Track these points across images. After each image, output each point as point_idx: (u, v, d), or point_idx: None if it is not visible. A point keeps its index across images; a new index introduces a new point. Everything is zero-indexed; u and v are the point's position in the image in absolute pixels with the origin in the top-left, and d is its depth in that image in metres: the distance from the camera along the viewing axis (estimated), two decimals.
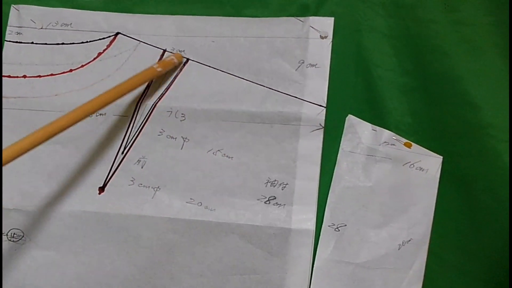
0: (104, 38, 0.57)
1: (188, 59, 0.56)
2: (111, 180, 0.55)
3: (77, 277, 0.54)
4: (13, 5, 0.57)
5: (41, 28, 0.58)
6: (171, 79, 0.55)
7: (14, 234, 0.55)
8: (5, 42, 0.57)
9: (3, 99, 0.56)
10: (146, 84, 0.55)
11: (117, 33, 0.57)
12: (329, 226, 0.51)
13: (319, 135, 0.53)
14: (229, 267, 0.53)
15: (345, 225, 0.51)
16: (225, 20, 0.56)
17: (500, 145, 0.51)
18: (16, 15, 0.58)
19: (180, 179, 0.54)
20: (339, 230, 0.51)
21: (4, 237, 0.54)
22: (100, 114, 0.55)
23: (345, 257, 0.51)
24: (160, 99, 0.55)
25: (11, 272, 0.55)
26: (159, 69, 0.51)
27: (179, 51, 0.56)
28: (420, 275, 0.51)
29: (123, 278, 0.54)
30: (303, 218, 0.52)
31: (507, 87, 0.52)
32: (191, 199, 0.54)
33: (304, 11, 0.54)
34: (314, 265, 0.51)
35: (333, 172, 0.52)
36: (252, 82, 0.54)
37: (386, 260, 0.51)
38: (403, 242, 0.51)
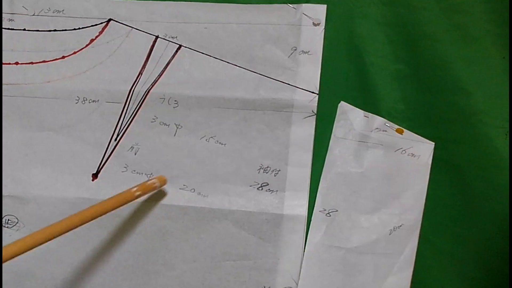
0: (96, 25, 0.57)
1: (180, 46, 0.55)
2: (104, 166, 0.55)
3: (71, 262, 0.55)
4: None
5: (33, 15, 0.58)
6: (164, 65, 0.55)
7: (8, 220, 0.55)
8: None
9: None
10: (139, 71, 0.55)
11: (109, 20, 0.57)
12: (320, 211, 0.52)
13: (312, 122, 0.53)
14: (222, 253, 0.53)
15: (337, 211, 0.52)
16: (218, 6, 0.56)
17: (492, 131, 0.51)
18: (8, 2, 0.57)
19: (173, 165, 0.54)
20: (330, 216, 0.52)
21: None
22: (93, 101, 0.55)
23: (336, 242, 0.52)
24: (153, 86, 0.55)
25: (10, 261, 0.55)
26: (137, 193, 0.49)
27: (172, 37, 0.56)
28: (411, 261, 0.52)
29: (117, 264, 0.54)
30: (295, 204, 0.53)
31: (500, 73, 0.52)
32: (184, 185, 0.54)
33: None
34: (305, 250, 0.52)
35: (325, 159, 0.52)
36: (245, 69, 0.54)
37: (377, 245, 0.52)
38: (394, 228, 0.52)
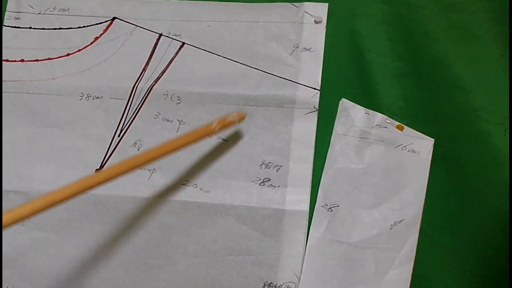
0: (101, 23, 0.58)
1: (183, 43, 0.56)
2: (108, 162, 0.55)
3: (75, 257, 0.55)
4: None
5: (39, 13, 0.58)
6: (167, 62, 0.56)
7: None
8: (4, 27, 0.58)
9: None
10: (142, 68, 0.56)
11: (114, 18, 0.58)
12: (322, 206, 0.52)
13: (313, 118, 0.53)
14: (224, 248, 0.54)
15: (338, 206, 0.52)
16: (220, 5, 0.57)
17: (492, 127, 0.52)
18: (14, 0, 0.58)
19: (176, 161, 0.55)
20: (331, 211, 0.52)
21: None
22: (97, 98, 0.56)
23: (337, 237, 0.52)
24: (156, 83, 0.55)
25: (11, 253, 0.56)
26: (216, 128, 0.48)
27: (175, 35, 0.56)
28: (411, 255, 0.52)
29: (120, 259, 0.55)
30: (297, 200, 0.53)
31: (498, 71, 0.53)
32: (186, 181, 0.54)
33: None
34: (307, 245, 0.52)
35: (326, 154, 0.53)
36: (247, 66, 0.55)
37: (378, 240, 0.52)
38: (394, 223, 0.52)
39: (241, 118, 0.51)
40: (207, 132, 0.48)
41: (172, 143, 0.45)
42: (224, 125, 0.49)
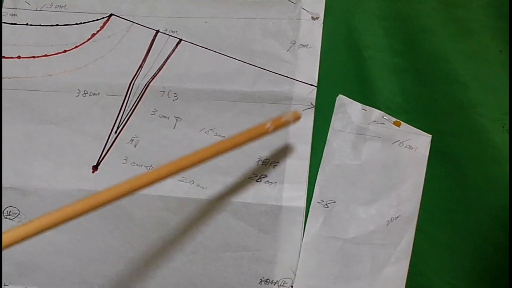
0: (98, 20, 0.58)
1: (180, 40, 0.56)
2: (104, 159, 0.55)
3: (72, 254, 0.55)
4: None
5: (36, 10, 0.58)
6: (164, 59, 0.56)
7: (10, 212, 0.55)
8: None
9: None
10: (139, 64, 0.56)
11: (111, 15, 0.58)
12: (318, 202, 0.52)
13: (310, 114, 0.53)
14: (221, 245, 0.54)
15: (334, 202, 0.52)
16: (218, 1, 0.56)
17: (489, 123, 0.52)
18: None
19: (173, 158, 0.54)
20: (328, 207, 0.52)
21: None
22: (94, 94, 0.56)
23: (333, 233, 0.52)
24: (153, 79, 0.55)
25: (8, 249, 0.55)
26: (270, 128, 0.45)
27: (172, 31, 0.56)
28: (408, 251, 0.52)
29: (117, 255, 0.55)
30: (294, 196, 0.53)
31: (497, 67, 0.53)
32: (183, 177, 0.54)
33: None
34: (303, 241, 0.52)
35: (323, 151, 0.53)
36: (244, 62, 0.55)
37: (374, 236, 0.52)
38: (391, 219, 0.52)
39: (296, 118, 0.47)
40: (261, 133, 0.45)
41: (226, 143, 0.43)
42: (279, 125, 0.46)
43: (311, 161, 0.53)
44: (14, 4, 0.58)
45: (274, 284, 0.53)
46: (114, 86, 0.56)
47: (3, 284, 0.56)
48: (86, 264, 0.55)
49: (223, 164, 0.54)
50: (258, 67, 0.55)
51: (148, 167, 0.55)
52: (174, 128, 0.55)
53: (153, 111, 0.55)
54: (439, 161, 0.53)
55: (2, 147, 0.56)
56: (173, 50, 0.56)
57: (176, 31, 0.56)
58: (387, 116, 0.53)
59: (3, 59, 0.57)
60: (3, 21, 0.58)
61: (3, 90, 0.57)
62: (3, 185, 0.55)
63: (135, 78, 0.56)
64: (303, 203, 0.53)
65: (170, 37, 0.56)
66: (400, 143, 0.53)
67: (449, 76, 0.53)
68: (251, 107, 0.54)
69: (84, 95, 0.56)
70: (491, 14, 0.53)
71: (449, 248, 0.53)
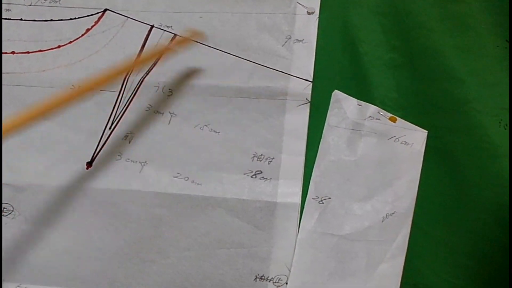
0: (92, 15, 0.57)
1: (175, 35, 0.56)
2: (99, 155, 0.55)
3: (66, 251, 0.55)
4: None
5: (30, 5, 0.58)
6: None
7: (4, 208, 0.55)
8: None
9: None
10: (134, 60, 0.56)
11: (105, 10, 0.57)
12: (313, 198, 0.52)
13: (306, 110, 0.53)
14: (216, 241, 0.54)
15: (329, 198, 0.52)
16: None
17: (486, 119, 0.51)
18: None
19: (167, 154, 0.54)
20: (323, 203, 0.52)
21: None
22: None
23: (329, 229, 0.52)
24: (147, 74, 0.55)
25: (2, 246, 0.55)
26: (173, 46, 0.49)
27: (167, 26, 0.56)
28: (403, 248, 0.52)
29: (112, 252, 0.55)
30: (289, 192, 0.53)
31: (493, 62, 0.52)
32: (178, 173, 0.54)
33: None
34: (298, 237, 0.52)
35: (318, 147, 0.53)
36: (239, 57, 0.55)
37: (369, 232, 0.52)
38: (386, 215, 0.52)
39: (198, 36, 0.51)
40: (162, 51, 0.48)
41: (126, 64, 0.46)
42: (180, 43, 0.49)
43: (306, 157, 0.53)
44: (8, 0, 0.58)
45: (269, 281, 0.53)
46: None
47: None
48: (81, 261, 0.55)
49: (218, 161, 0.54)
50: (253, 62, 0.54)
51: (142, 163, 0.55)
52: (169, 124, 0.55)
53: (148, 107, 0.55)
54: (435, 157, 0.53)
55: (2, 145, 0.56)
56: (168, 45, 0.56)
57: (171, 26, 0.56)
58: (382, 112, 0.53)
59: None
60: None
61: None
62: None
63: (129, 73, 0.55)
64: (298, 199, 0.52)
65: (165, 32, 0.56)
66: (396, 138, 0.52)
67: (446, 72, 0.52)
68: (246, 103, 0.54)
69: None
70: (488, 9, 0.52)
71: (445, 245, 0.53)
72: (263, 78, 0.54)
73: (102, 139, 0.55)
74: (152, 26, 0.56)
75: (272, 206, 0.53)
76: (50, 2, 0.58)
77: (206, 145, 0.54)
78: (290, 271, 0.52)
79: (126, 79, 0.55)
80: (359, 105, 0.52)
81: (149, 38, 0.56)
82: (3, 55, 0.57)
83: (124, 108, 0.55)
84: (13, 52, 0.57)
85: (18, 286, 0.56)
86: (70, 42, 0.57)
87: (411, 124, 0.53)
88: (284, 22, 0.54)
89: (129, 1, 0.57)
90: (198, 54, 0.55)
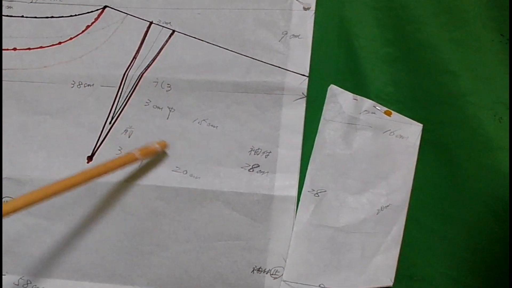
0: (92, 12, 0.58)
1: (174, 31, 0.56)
2: (99, 149, 0.56)
3: (67, 243, 0.56)
4: None
5: (31, 2, 0.59)
6: (157, 50, 0.56)
7: (5, 202, 0.56)
8: None
9: None
10: (133, 55, 0.56)
11: (105, 7, 0.58)
12: (309, 191, 0.52)
13: (302, 104, 0.54)
14: (214, 234, 0.54)
15: (325, 191, 0.53)
16: None
17: (481, 112, 0.52)
18: None
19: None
20: (318, 196, 0.52)
21: None
22: (88, 85, 0.56)
23: (324, 222, 0.52)
24: (146, 70, 0.56)
25: (3, 239, 0.56)
26: (139, 157, 0.51)
27: (166, 23, 0.57)
28: (398, 240, 0.52)
29: (111, 244, 0.56)
30: (286, 185, 0.53)
31: (488, 56, 0.53)
32: (176, 167, 0.55)
33: None
34: (294, 229, 0.52)
35: (315, 140, 0.53)
36: (236, 53, 0.55)
37: (364, 225, 0.52)
38: (381, 208, 0.52)
39: (163, 147, 0.54)
40: (131, 159, 0.51)
41: (98, 169, 0.47)
42: (147, 153, 0.52)
43: (302, 150, 0.54)
44: None
45: (267, 273, 0.54)
46: (108, 77, 0.56)
47: None
48: (81, 253, 0.56)
49: (216, 154, 0.55)
50: (251, 57, 0.55)
51: None
52: (167, 118, 0.55)
53: (147, 102, 0.56)
54: (430, 150, 0.53)
55: (2, 143, 0.57)
56: (167, 41, 0.57)
57: (170, 23, 0.57)
58: (378, 106, 0.53)
59: None
60: None
61: None
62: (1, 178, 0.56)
63: (129, 69, 0.56)
64: (295, 192, 0.53)
65: (164, 28, 0.57)
66: (391, 132, 0.53)
67: (441, 66, 0.53)
68: (244, 97, 0.54)
69: (78, 86, 0.56)
70: (483, 3, 0.53)
71: (440, 237, 0.53)
72: (260, 73, 0.54)
73: (103, 133, 0.56)
74: (151, 23, 0.57)
75: (269, 199, 0.53)
76: (50, 0, 0.59)
77: (204, 140, 0.55)
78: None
79: (125, 75, 0.56)
80: (354, 99, 0.53)
81: (148, 35, 0.57)
82: (5, 51, 0.58)
83: (124, 103, 0.56)
84: (14, 49, 0.58)
85: (20, 278, 0.57)
86: (71, 38, 0.58)
87: (407, 118, 0.53)
88: (281, 18, 0.55)
89: None
90: (196, 49, 0.56)
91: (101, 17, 0.58)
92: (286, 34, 0.55)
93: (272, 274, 0.54)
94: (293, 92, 0.54)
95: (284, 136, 0.54)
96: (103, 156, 0.56)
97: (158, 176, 0.55)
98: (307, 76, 0.53)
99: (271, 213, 0.53)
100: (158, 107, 0.55)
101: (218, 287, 0.55)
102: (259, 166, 0.54)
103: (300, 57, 0.54)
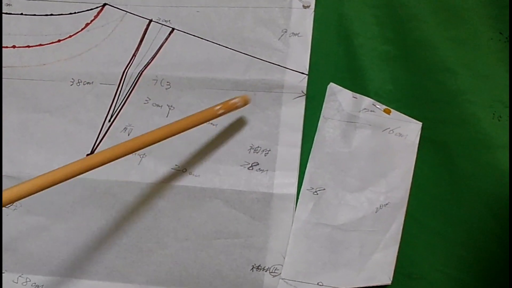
0: (91, 9, 0.58)
1: (173, 29, 0.56)
2: (98, 147, 0.56)
3: (67, 241, 0.56)
4: None
5: (30, 0, 0.59)
6: (156, 48, 0.56)
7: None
8: None
9: None
10: (133, 53, 0.56)
11: (104, 4, 0.58)
12: (307, 189, 0.53)
13: (301, 102, 0.54)
14: (213, 231, 0.55)
15: (324, 189, 0.53)
16: None
17: (480, 110, 0.52)
18: None
19: (166, 146, 0.55)
20: (317, 194, 0.53)
21: None
22: (88, 83, 0.56)
23: (323, 220, 0.53)
24: (146, 68, 0.56)
25: (3, 237, 0.57)
26: (220, 111, 0.49)
27: (165, 20, 0.57)
28: (397, 238, 0.53)
29: (111, 242, 0.56)
30: (285, 183, 0.53)
31: (487, 54, 0.53)
32: (176, 165, 0.55)
33: None
34: (292, 227, 0.52)
35: (314, 138, 0.53)
36: (236, 50, 0.55)
37: (363, 223, 0.52)
38: (380, 206, 0.52)
39: (245, 102, 0.51)
40: (211, 115, 0.49)
41: (176, 124, 0.46)
42: (228, 108, 0.50)
43: (302, 148, 0.54)
44: None
45: (266, 271, 0.54)
46: (107, 75, 0.56)
47: None
48: (81, 251, 0.56)
49: (215, 152, 0.55)
50: (250, 55, 0.55)
51: (141, 155, 0.56)
52: (167, 116, 0.55)
53: (146, 100, 0.56)
54: (429, 148, 0.53)
55: (1, 140, 0.57)
56: (166, 39, 0.56)
57: (169, 21, 0.57)
58: (377, 104, 0.53)
59: None
60: None
61: None
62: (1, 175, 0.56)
63: (128, 67, 0.56)
64: (294, 191, 0.53)
65: (163, 26, 0.57)
66: (390, 130, 0.53)
67: (440, 64, 0.53)
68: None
69: (78, 84, 0.56)
70: (482, 1, 0.53)
71: (438, 235, 0.53)
72: (260, 71, 0.54)
73: (102, 131, 0.56)
74: (151, 21, 0.57)
75: (268, 197, 0.53)
76: None
77: (203, 138, 0.55)
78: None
79: (125, 73, 0.56)
80: (354, 97, 0.53)
81: (147, 32, 0.57)
82: (4, 49, 0.58)
83: (123, 101, 0.56)
84: (13, 46, 0.58)
85: (19, 276, 0.57)
86: (70, 36, 0.58)
87: (406, 116, 0.53)
88: (280, 16, 0.55)
89: None
90: (195, 47, 0.56)
91: (100, 14, 0.58)
92: (285, 32, 0.55)
93: (271, 272, 0.54)
94: (292, 90, 0.54)
95: (283, 134, 0.54)
96: None
97: (158, 174, 0.55)
98: (306, 74, 0.53)
99: (270, 211, 0.53)
100: (158, 105, 0.56)
101: (217, 284, 0.55)
102: (258, 164, 0.54)
103: (299, 55, 0.54)
